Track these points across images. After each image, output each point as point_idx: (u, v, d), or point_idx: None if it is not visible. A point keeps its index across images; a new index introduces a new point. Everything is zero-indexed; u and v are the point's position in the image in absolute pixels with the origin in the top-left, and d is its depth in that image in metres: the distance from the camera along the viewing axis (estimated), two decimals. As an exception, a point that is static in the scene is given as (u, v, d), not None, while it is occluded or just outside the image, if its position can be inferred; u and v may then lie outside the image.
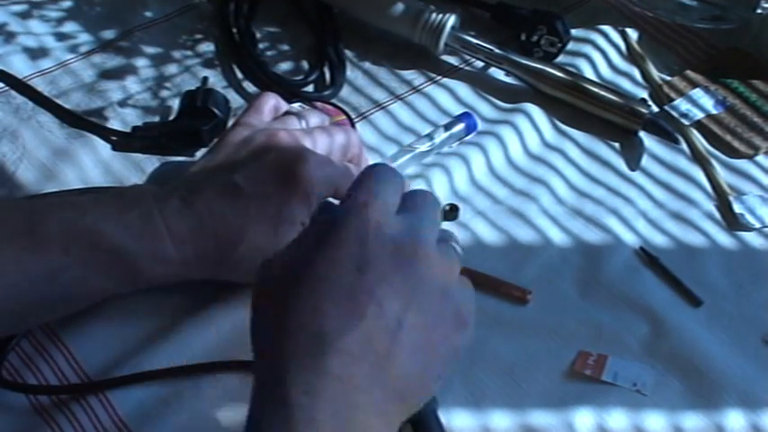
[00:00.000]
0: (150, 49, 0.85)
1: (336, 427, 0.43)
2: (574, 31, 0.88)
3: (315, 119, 0.72)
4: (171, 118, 0.79)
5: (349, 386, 0.44)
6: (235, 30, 0.86)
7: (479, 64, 0.86)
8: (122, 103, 0.80)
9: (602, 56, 0.88)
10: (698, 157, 0.81)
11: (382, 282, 0.46)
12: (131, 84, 0.82)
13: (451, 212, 0.74)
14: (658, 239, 0.74)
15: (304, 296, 0.46)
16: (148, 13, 0.88)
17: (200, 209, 0.60)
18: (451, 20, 0.84)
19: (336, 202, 0.66)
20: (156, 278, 0.61)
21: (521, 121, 0.81)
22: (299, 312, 0.46)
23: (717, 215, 0.77)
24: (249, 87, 0.83)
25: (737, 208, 0.76)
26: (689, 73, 0.87)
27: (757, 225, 0.75)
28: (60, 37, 0.86)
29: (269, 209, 0.60)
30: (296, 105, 0.78)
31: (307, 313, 0.46)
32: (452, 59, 0.87)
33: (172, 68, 0.84)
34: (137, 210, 0.60)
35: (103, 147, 0.77)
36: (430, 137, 0.78)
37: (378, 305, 0.45)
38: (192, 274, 0.62)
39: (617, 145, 0.81)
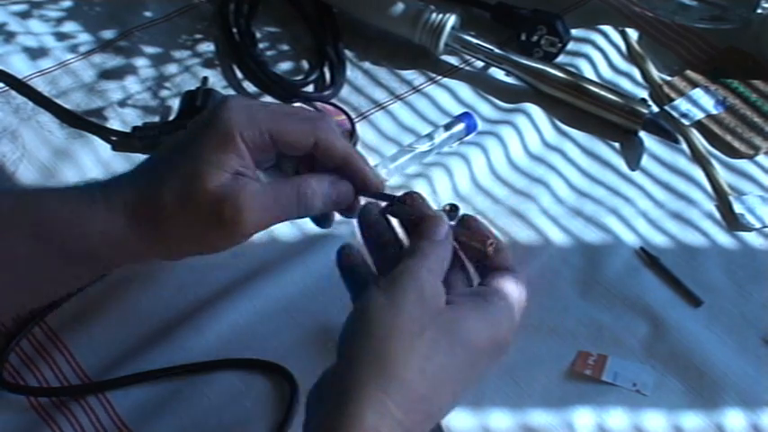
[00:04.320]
0: (150, 49, 0.85)
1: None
2: (574, 31, 0.88)
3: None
4: (171, 118, 0.79)
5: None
6: (235, 30, 0.86)
7: (479, 64, 0.86)
8: (122, 103, 0.80)
9: (602, 56, 0.88)
10: (698, 157, 0.81)
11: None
12: (131, 84, 0.82)
13: (452, 212, 0.74)
14: (658, 239, 0.74)
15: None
16: (148, 13, 0.88)
17: (130, 172, 0.58)
18: (451, 20, 0.84)
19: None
20: (97, 246, 0.56)
21: (521, 121, 0.81)
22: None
23: (717, 215, 0.77)
24: (249, 87, 0.83)
25: (737, 208, 0.76)
26: (689, 73, 0.87)
27: (757, 225, 0.75)
28: (60, 37, 0.86)
29: (185, 156, 0.56)
30: (297, 105, 0.78)
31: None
32: (452, 59, 0.87)
33: (172, 68, 0.84)
34: (80, 186, 0.60)
35: (103, 147, 0.77)
36: (430, 137, 0.78)
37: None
38: (133, 240, 0.56)
39: (617, 145, 0.81)
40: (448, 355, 0.50)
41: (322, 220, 0.61)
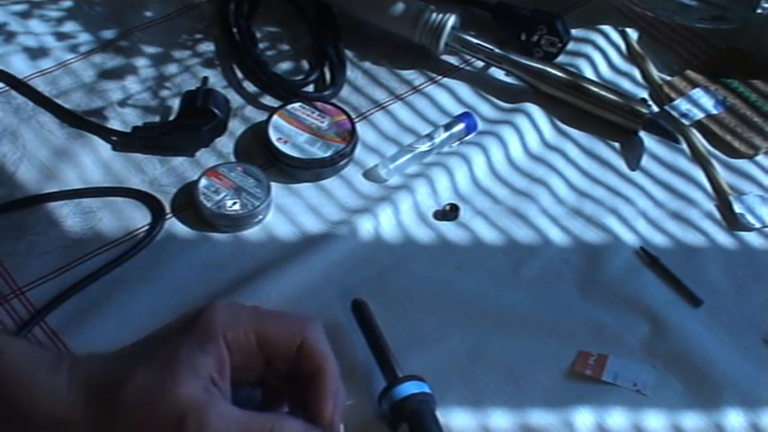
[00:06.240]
0: (150, 49, 0.85)
1: None
2: (574, 31, 0.88)
3: None
4: (171, 118, 0.79)
5: None
6: (235, 30, 0.86)
7: (479, 64, 0.86)
8: (122, 103, 0.80)
9: (602, 56, 0.88)
10: (698, 157, 0.81)
11: None
12: (131, 84, 0.82)
13: (452, 212, 0.74)
14: (658, 239, 0.74)
15: None
16: (148, 13, 0.88)
17: (106, 354, 0.55)
18: (451, 20, 0.84)
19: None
20: (35, 414, 0.52)
21: (521, 120, 0.81)
22: None
23: (717, 215, 0.77)
24: (249, 87, 0.83)
25: (737, 208, 0.76)
26: (689, 73, 0.87)
27: (757, 225, 0.75)
28: (60, 37, 0.86)
29: (162, 350, 0.53)
30: (296, 105, 0.78)
31: None
32: (452, 59, 0.87)
33: (172, 68, 0.84)
34: (51, 352, 0.57)
35: (103, 147, 0.77)
36: (430, 137, 0.78)
37: None
38: (83, 422, 0.52)
39: (617, 145, 0.81)
40: None
41: None
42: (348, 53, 0.87)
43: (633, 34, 0.90)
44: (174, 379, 0.51)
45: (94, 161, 0.76)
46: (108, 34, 0.86)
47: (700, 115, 0.83)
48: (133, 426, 0.51)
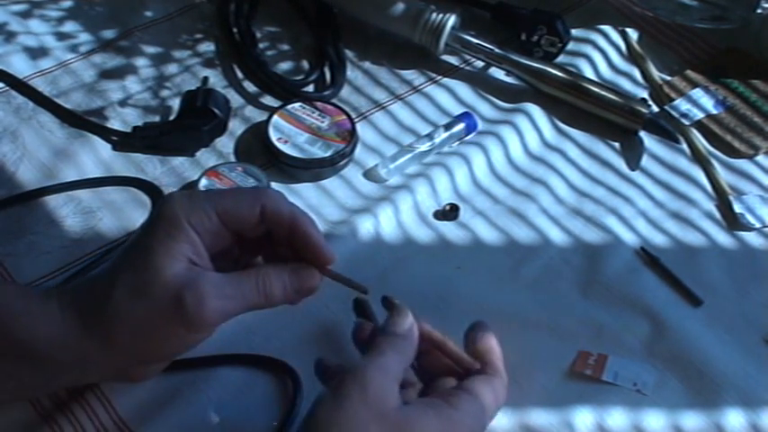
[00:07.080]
0: (150, 49, 0.85)
1: None
2: (574, 31, 0.88)
3: None
4: (171, 118, 0.79)
5: None
6: (235, 30, 0.86)
7: (479, 64, 0.86)
8: (122, 103, 0.80)
9: (602, 56, 0.88)
10: (698, 157, 0.81)
11: None
12: (131, 84, 0.82)
13: (452, 212, 0.74)
14: (658, 239, 0.74)
15: None
16: (149, 13, 0.89)
17: (87, 277, 0.57)
18: (451, 20, 0.84)
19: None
20: (38, 342, 0.54)
21: (521, 120, 0.81)
22: None
23: (717, 215, 0.77)
24: (249, 87, 0.83)
25: (737, 208, 0.76)
26: (689, 73, 0.87)
27: (757, 225, 0.75)
28: (60, 37, 0.86)
29: (136, 253, 0.54)
30: (296, 105, 0.78)
31: None
32: (452, 59, 0.87)
33: (172, 68, 0.84)
34: (36, 288, 0.59)
35: (103, 147, 0.77)
36: (430, 137, 0.78)
37: None
38: (83, 342, 0.54)
39: (617, 145, 0.81)
40: None
41: None
42: (348, 53, 0.87)
43: (633, 34, 0.90)
44: (156, 269, 0.53)
45: (95, 161, 0.76)
46: (108, 34, 0.86)
47: (700, 115, 0.83)
48: (134, 325, 0.53)
